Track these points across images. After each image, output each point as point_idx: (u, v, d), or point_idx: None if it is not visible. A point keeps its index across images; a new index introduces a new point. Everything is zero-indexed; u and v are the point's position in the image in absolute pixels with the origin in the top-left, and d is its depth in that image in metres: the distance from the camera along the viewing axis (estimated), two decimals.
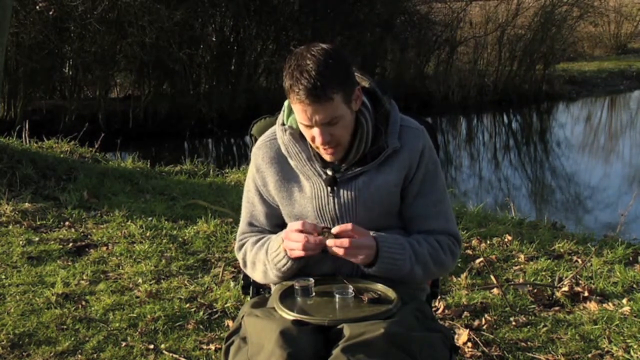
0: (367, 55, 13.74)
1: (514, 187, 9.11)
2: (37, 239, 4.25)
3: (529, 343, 2.88)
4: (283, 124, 1.95)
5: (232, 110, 11.83)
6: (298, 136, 1.91)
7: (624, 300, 3.21)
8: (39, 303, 3.31)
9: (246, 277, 2.17)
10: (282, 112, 1.98)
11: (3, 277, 3.67)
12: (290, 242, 1.82)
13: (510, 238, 4.16)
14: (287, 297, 1.83)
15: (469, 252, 3.97)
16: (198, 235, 4.32)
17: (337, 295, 1.80)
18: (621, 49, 20.61)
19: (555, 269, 3.66)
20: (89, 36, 10.46)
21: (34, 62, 9.92)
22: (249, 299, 2.19)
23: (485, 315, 3.11)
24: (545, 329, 2.99)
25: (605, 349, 2.78)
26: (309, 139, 1.86)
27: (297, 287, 1.83)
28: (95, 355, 2.84)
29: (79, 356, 2.83)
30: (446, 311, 3.18)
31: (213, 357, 2.81)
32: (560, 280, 3.45)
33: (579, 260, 3.82)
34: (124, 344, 2.91)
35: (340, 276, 1.88)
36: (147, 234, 4.30)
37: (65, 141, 6.75)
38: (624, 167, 10.02)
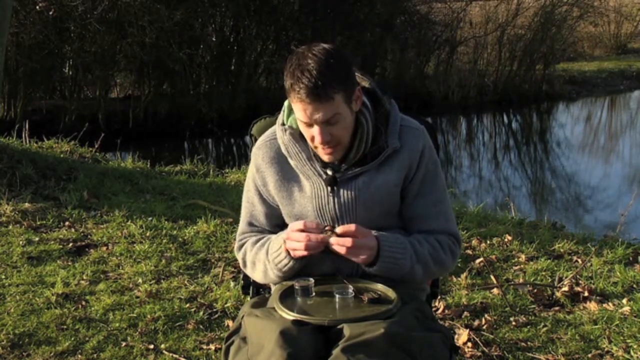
0: (367, 55, 13.75)
1: (514, 187, 9.11)
2: (37, 239, 4.25)
3: (529, 343, 2.88)
4: (283, 124, 1.95)
5: (232, 110, 11.83)
6: (298, 136, 1.91)
7: (624, 300, 3.21)
8: (39, 303, 3.31)
9: (246, 277, 2.17)
10: (282, 112, 1.98)
11: (3, 277, 3.67)
12: (293, 242, 1.82)
13: (510, 238, 4.16)
14: (287, 297, 1.83)
15: (469, 252, 3.97)
16: (198, 235, 4.32)
17: (337, 295, 1.80)
18: (621, 49, 20.62)
19: (555, 269, 3.66)
20: (89, 36, 10.46)
21: (34, 62, 9.92)
22: (249, 299, 2.19)
23: (485, 315, 3.11)
24: (545, 329, 2.99)
25: (605, 349, 2.78)
26: (308, 139, 1.86)
27: (297, 287, 1.83)
28: (95, 355, 2.84)
29: (79, 356, 2.83)
30: (446, 311, 3.18)
31: (213, 357, 2.81)
32: (560, 280, 3.45)
33: (579, 260, 3.82)
34: (124, 344, 2.91)
35: (340, 276, 1.88)
36: (147, 234, 4.30)
37: (65, 141, 6.75)
38: (624, 167, 10.02)
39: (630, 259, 3.83)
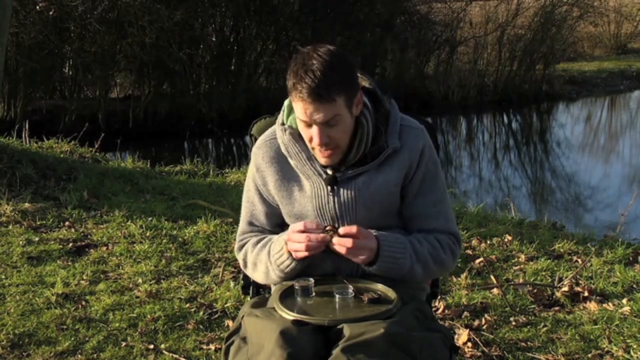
0: (367, 55, 13.75)
1: (514, 187, 9.11)
2: (37, 239, 4.25)
3: (529, 343, 2.88)
4: (283, 124, 1.95)
5: (232, 110, 11.83)
6: (298, 136, 1.91)
7: (624, 300, 3.21)
8: (39, 303, 3.31)
9: (246, 277, 2.17)
10: (282, 112, 1.98)
11: (3, 277, 3.67)
12: (294, 244, 1.82)
13: (510, 238, 4.16)
14: (287, 297, 1.83)
15: (469, 252, 3.97)
16: (198, 235, 4.32)
17: (337, 295, 1.80)
18: (621, 49, 20.62)
19: (555, 269, 3.66)
20: (89, 36, 10.46)
21: (34, 62, 9.92)
22: (249, 299, 2.19)
23: (485, 315, 3.11)
24: (545, 329, 2.99)
25: (605, 349, 2.78)
26: (306, 139, 1.86)
27: (297, 287, 1.83)
28: (95, 355, 2.84)
29: (79, 356, 2.83)
30: (446, 311, 3.18)
31: (213, 357, 2.81)
32: (560, 280, 3.45)
33: (579, 260, 3.82)
34: (124, 344, 2.91)
35: (340, 276, 1.88)
36: (147, 234, 4.30)
37: (65, 141, 6.75)
38: (624, 167, 10.02)
39: (630, 259, 3.83)
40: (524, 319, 3.10)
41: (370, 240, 1.82)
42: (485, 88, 14.93)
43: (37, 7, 9.62)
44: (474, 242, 4.13)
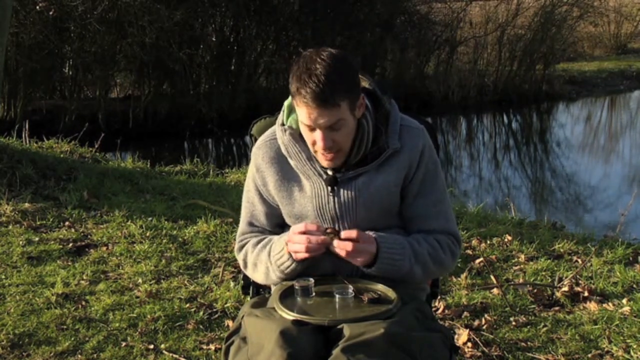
0: (367, 55, 13.74)
1: (514, 187, 9.11)
2: (37, 239, 4.25)
3: (529, 343, 2.88)
4: (283, 124, 1.95)
5: (232, 110, 11.83)
6: (298, 136, 1.91)
7: (624, 300, 3.21)
8: (39, 303, 3.31)
9: (246, 277, 2.17)
10: (281, 112, 1.98)
11: (3, 277, 3.67)
12: (294, 245, 1.83)
13: (510, 238, 4.16)
14: (287, 297, 1.83)
15: (469, 252, 3.97)
16: (198, 235, 4.32)
17: (337, 295, 1.81)
18: (621, 49, 20.61)
19: (555, 269, 3.66)
20: (89, 36, 10.46)
21: (34, 62, 9.92)
22: (249, 299, 2.19)
23: (485, 315, 3.11)
24: (545, 329, 2.99)
25: (605, 349, 2.78)
26: (309, 143, 1.86)
27: (297, 287, 1.83)
28: (95, 355, 2.84)
29: (79, 356, 2.83)
30: (446, 311, 3.18)
31: (213, 357, 2.81)
32: (560, 280, 3.45)
33: (579, 260, 3.82)
34: (124, 344, 2.91)
35: (340, 276, 1.88)
36: (147, 234, 4.30)
37: (65, 141, 6.75)
38: (624, 167, 10.02)
39: (630, 259, 3.82)
40: (524, 319, 3.10)
41: (371, 244, 1.82)
42: (485, 88, 14.92)
43: (37, 7, 9.61)
44: (474, 242, 4.13)
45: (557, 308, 3.21)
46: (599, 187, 8.47)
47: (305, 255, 1.82)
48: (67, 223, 4.59)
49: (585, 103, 16.12)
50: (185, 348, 2.88)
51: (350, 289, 1.81)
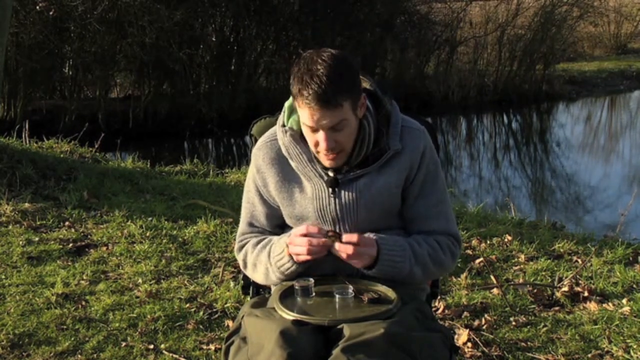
0: (367, 55, 13.74)
1: (514, 187, 9.11)
2: (37, 239, 4.25)
3: (529, 343, 2.88)
4: (283, 125, 1.95)
5: (232, 110, 11.83)
6: (299, 138, 1.91)
7: (624, 300, 3.21)
8: (39, 303, 3.31)
9: (246, 277, 2.17)
10: (282, 113, 1.97)
11: (3, 277, 3.67)
12: (296, 247, 1.83)
13: (510, 238, 4.16)
14: (287, 297, 1.83)
15: (469, 252, 3.97)
16: (198, 235, 4.32)
17: (337, 296, 1.81)
18: (621, 49, 20.61)
19: (555, 269, 3.66)
20: (89, 36, 10.46)
21: (34, 62, 9.92)
22: (249, 299, 2.19)
23: (485, 315, 3.11)
24: (545, 329, 2.99)
25: (605, 349, 2.78)
26: (311, 144, 1.85)
27: (297, 287, 1.83)
28: (95, 355, 2.84)
29: (79, 356, 2.84)
30: (446, 311, 3.18)
31: (213, 357, 2.81)
32: (560, 280, 3.45)
33: (579, 260, 3.82)
34: (124, 344, 2.91)
35: (341, 276, 1.88)
36: (147, 234, 4.30)
37: (65, 141, 6.75)
38: (624, 167, 10.02)
39: (630, 259, 3.82)
40: (524, 319, 3.10)
41: (371, 247, 1.83)
42: (485, 88, 14.92)
43: (37, 7, 9.61)
44: (474, 242, 4.13)
45: (557, 308, 3.21)
46: (599, 187, 8.47)
47: (307, 257, 1.82)
48: (67, 223, 4.59)
49: (585, 103, 16.12)
50: (185, 348, 2.88)
51: (350, 289, 1.82)
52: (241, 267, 2.07)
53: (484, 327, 3.01)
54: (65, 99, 11.25)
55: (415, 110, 10.88)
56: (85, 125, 7.45)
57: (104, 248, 4.12)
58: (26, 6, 9.60)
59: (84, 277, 3.65)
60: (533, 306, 3.23)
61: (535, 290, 3.35)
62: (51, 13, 9.84)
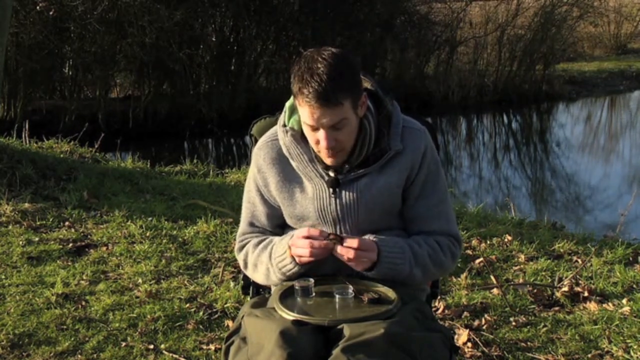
0: (367, 55, 13.74)
1: (514, 187, 9.11)
2: (37, 239, 4.25)
3: (529, 343, 2.88)
4: (284, 125, 1.95)
5: (232, 110, 11.83)
6: (300, 138, 1.91)
7: (624, 300, 3.21)
8: (39, 303, 3.31)
9: (246, 278, 2.17)
10: (283, 113, 1.97)
11: (3, 277, 3.67)
12: (298, 249, 1.83)
13: (510, 238, 4.16)
14: (287, 297, 1.83)
15: (469, 252, 3.97)
16: (198, 235, 4.32)
17: (337, 296, 1.81)
18: (621, 49, 20.60)
19: (555, 269, 3.66)
20: (89, 36, 10.46)
21: (34, 62, 9.92)
22: (248, 299, 2.19)
23: (485, 315, 3.11)
24: (545, 329, 2.99)
25: (605, 349, 2.78)
26: (312, 143, 1.85)
27: (297, 287, 1.83)
28: (95, 355, 2.84)
29: (79, 356, 2.84)
30: (446, 311, 3.18)
31: (213, 357, 2.81)
32: (560, 280, 3.45)
33: (579, 260, 3.82)
34: (124, 344, 2.91)
35: (341, 276, 1.88)
36: (147, 234, 4.30)
37: (65, 141, 6.75)
38: (624, 167, 10.02)
39: (630, 259, 3.83)
40: (524, 319, 3.10)
41: (372, 252, 1.83)
42: (485, 88, 14.92)
43: (37, 7, 9.62)
44: (474, 242, 4.13)
45: (557, 308, 3.21)
46: (599, 187, 8.47)
47: (310, 259, 1.82)
48: (67, 223, 4.59)
49: (585, 103, 16.12)
50: (185, 348, 2.88)
51: (350, 289, 1.82)
52: (241, 267, 2.07)
53: (484, 327, 3.01)
54: (65, 99, 11.25)
55: (415, 110, 10.88)
56: (85, 125, 7.46)
57: (104, 248, 4.12)
58: (26, 6, 9.61)
59: (84, 277, 3.65)
60: (533, 306, 3.23)
61: (535, 290, 3.35)
62: (51, 13, 9.84)
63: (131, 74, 11.75)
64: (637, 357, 2.69)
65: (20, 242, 4.17)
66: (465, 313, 3.15)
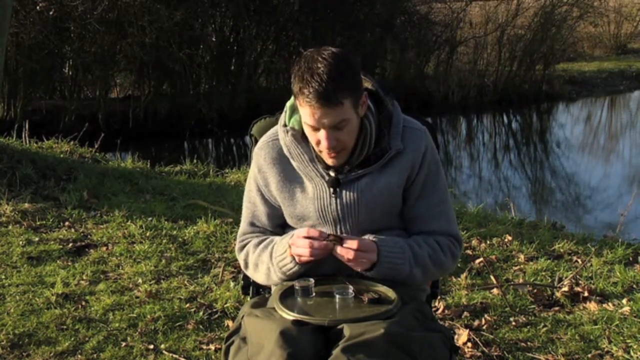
0: (367, 55, 13.74)
1: (514, 187, 9.11)
2: (37, 239, 4.25)
3: (529, 343, 2.88)
4: (285, 125, 1.95)
5: (232, 110, 11.83)
6: (300, 138, 1.91)
7: (624, 300, 3.21)
8: (39, 303, 3.31)
9: (246, 277, 2.17)
10: (283, 113, 1.97)
11: (3, 277, 3.67)
12: (298, 249, 1.83)
13: (510, 238, 4.16)
14: (287, 297, 1.83)
15: (469, 252, 3.97)
16: (198, 235, 4.32)
17: (337, 296, 1.81)
18: (621, 49, 20.60)
19: (555, 269, 3.66)
20: (89, 36, 10.46)
21: (34, 62, 9.92)
22: (249, 299, 2.19)
23: (485, 315, 3.11)
24: (545, 329, 2.99)
25: (605, 349, 2.78)
26: (313, 143, 1.85)
27: (297, 287, 1.83)
28: (95, 355, 2.84)
29: (79, 356, 2.84)
30: (446, 311, 3.18)
31: (213, 357, 2.81)
32: (560, 280, 3.45)
33: (579, 260, 3.82)
34: (124, 344, 2.91)
35: (341, 276, 1.88)
36: (147, 234, 4.30)
37: (65, 141, 6.75)
38: (624, 167, 10.02)
39: (630, 259, 3.83)
40: (524, 319, 3.10)
41: (372, 253, 1.83)
42: (485, 88, 14.92)
43: (37, 7, 9.61)
44: (474, 242, 4.13)
45: (557, 308, 3.21)
46: (599, 187, 8.47)
47: (310, 259, 1.82)
48: (67, 223, 4.59)
49: (585, 103, 16.12)
50: (185, 348, 2.88)
51: (351, 289, 1.82)
52: (242, 267, 2.07)
53: (484, 327, 3.01)
54: (65, 99, 11.25)
55: (415, 110, 10.87)
56: (85, 125, 7.46)
57: (104, 248, 4.12)
58: (26, 6, 9.60)
59: (84, 277, 3.65)
60: (533, 306, 3.23)
61: (535, 290, 3.35)
62: (51, 13, 9.84)
63: (131, 74, 11.75)
64: (637, 357, 2.69)
65: (20, 242, 4.17)
66: (465, 313, 3.15)
